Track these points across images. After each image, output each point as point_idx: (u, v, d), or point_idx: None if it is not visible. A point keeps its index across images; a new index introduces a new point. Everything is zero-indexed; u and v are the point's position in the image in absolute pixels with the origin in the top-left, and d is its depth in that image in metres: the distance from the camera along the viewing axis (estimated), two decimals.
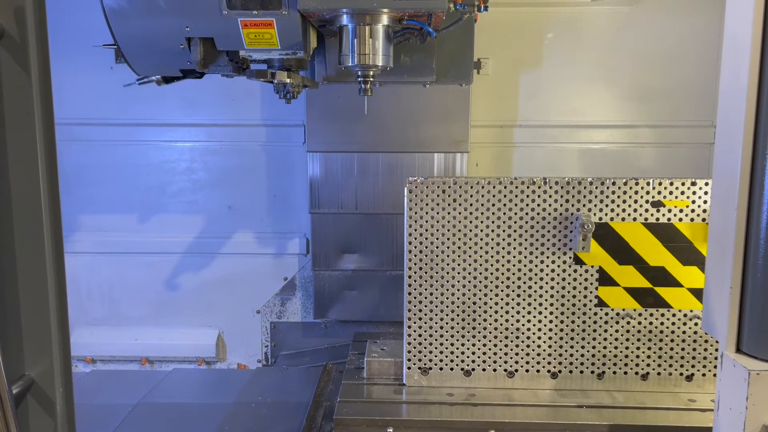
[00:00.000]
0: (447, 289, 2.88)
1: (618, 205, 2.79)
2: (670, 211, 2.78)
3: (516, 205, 2.81)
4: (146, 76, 3.15)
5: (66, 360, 1.56)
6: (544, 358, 2.90)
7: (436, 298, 2.89)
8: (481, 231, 2.84)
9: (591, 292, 2.85)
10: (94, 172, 4.43)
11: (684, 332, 2.86)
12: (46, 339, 1.51)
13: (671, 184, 2.77)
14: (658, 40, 4.22)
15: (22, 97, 1.43)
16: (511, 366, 2.92)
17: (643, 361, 2.88)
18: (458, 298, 2.89)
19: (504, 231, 2.83)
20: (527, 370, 2.92)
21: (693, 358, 2.87)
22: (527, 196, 2.80)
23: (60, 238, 1.53)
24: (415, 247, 2.87)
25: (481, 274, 2.87)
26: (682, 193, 2.77)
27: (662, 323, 2.85)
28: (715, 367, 2.84)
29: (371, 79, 3.13)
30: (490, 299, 2.88)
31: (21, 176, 1.45)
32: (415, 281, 2.89)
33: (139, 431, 2.99)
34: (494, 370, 2.93)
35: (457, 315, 2.90)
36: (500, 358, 2.92)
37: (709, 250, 1.83)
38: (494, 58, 4.27)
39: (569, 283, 2.85)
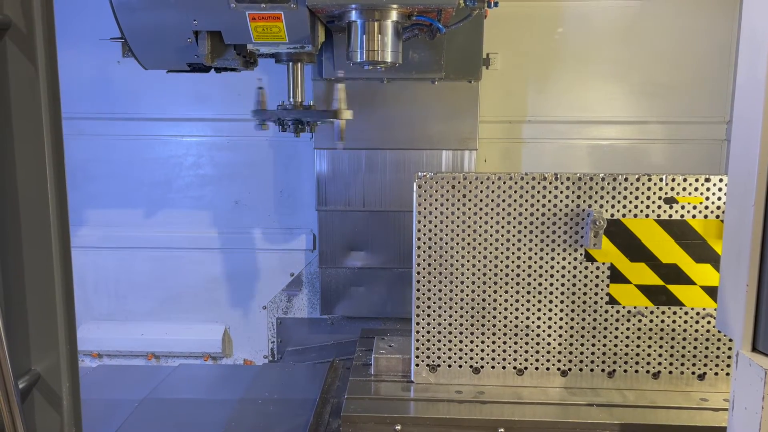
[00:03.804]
0: (456, 286, 2.86)
1: (630, 202, 2.75)
2: (683, 207, 2.74)
3: (526, 201, 2.78)
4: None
5: (72, 355, 1.55)
6: (554, 356, 2.88)
7: (445, 294, 2.87)
8: (491, 227, 2.81)
9: (602, 290, 2.82)
10: (101, 167, 4.42)
11: (696, 330, 2.83)
12: (53, 334, 1.50)
13: (684, 180, 2.73)
14: (670, 34, 4.18)
15: (29, 90, 1.42)
16: (520, 363, 2.90)
17: (654, 359, 2.85)
18: (467, 295, 2.86)
19: (514, 227, 2.81)
20: (537, 368, 2.89)
21: (705, 357, 2.84)
22: (538, 192, 2.78)
23: (67, 233, 1.51)
24: (424, 243, 2.84)
25: (490, 270, 2.84)
26: (696, 189, 2.73)
27: (674, 321, 2.82)
28: (728, 366, 2.82)
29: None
30: (500, 296, 2.86)
31: (28, 171, 1.44)
32: (423, 277, 2.87)
33: (145, 427, 2.98)
34: (503, 367, 2.90)
35: (466, 312, 2.88)
36: (509, 355, 2.89)
37: (725, 247, 1.80)
38: (503, 53, 4.23)
39: (580, 280, 2.82)
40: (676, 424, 2.59)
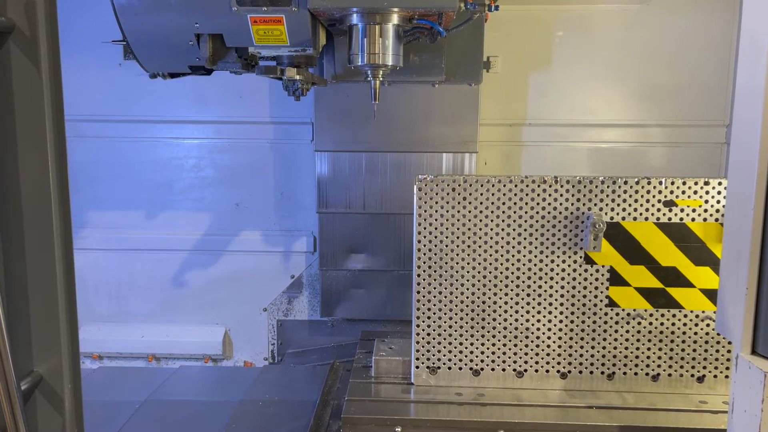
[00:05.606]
0: (456, 288, 2.87)
1: (630, 205, 2.76)
2: (682, 210, 2.75)
3: (527, 204, 2.79)
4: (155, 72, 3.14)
5: (74, 357, 1.55)
6: (553, 358, 2.88)
7: (445, 296, 2.88)
8: (491, 230, 2.82)
9: (602, 292, 2.83)
10: (102, 169, 4.43)
11: (695, 333, 2.83)
12: (55, 336, 1.51)
13: (684, 183, 2.74)
14: (669, 38, 4.19)
15: (32, 93, 1.42)
16: (520, 366, 2.90)
17: (653, 362, 2.85)
18: (467, 297, 2.87)
19: (514, 230, 2.81)
20: (536, 370, 2.90)
21: (704, 360, 2.84)
22: (538, 195, 2.78)
23: (69, 235, 1.52)
24: (424, 246, 2.85)
25: (490, 273, 2.85)
26: (695, 192, 2.74)
27: (673, 324, 2.83)
28: (727, 368, 2.82)
29: (380, 78, 3.11)
30: (500, 298, 2.86)
31: (31, 173, 1.44)
32: (423, 280, 2.87)
33: (146, 428, 2.98)
34: (503, 369, 2.91)
35: (466, 314, 2.88)
36: (509, 357, 2.90)
37: (724, 250, 1.80)
38: (503, 56, 4.25)
39: (580, 283, 2.83)
40: (675, 427, 2.59)
